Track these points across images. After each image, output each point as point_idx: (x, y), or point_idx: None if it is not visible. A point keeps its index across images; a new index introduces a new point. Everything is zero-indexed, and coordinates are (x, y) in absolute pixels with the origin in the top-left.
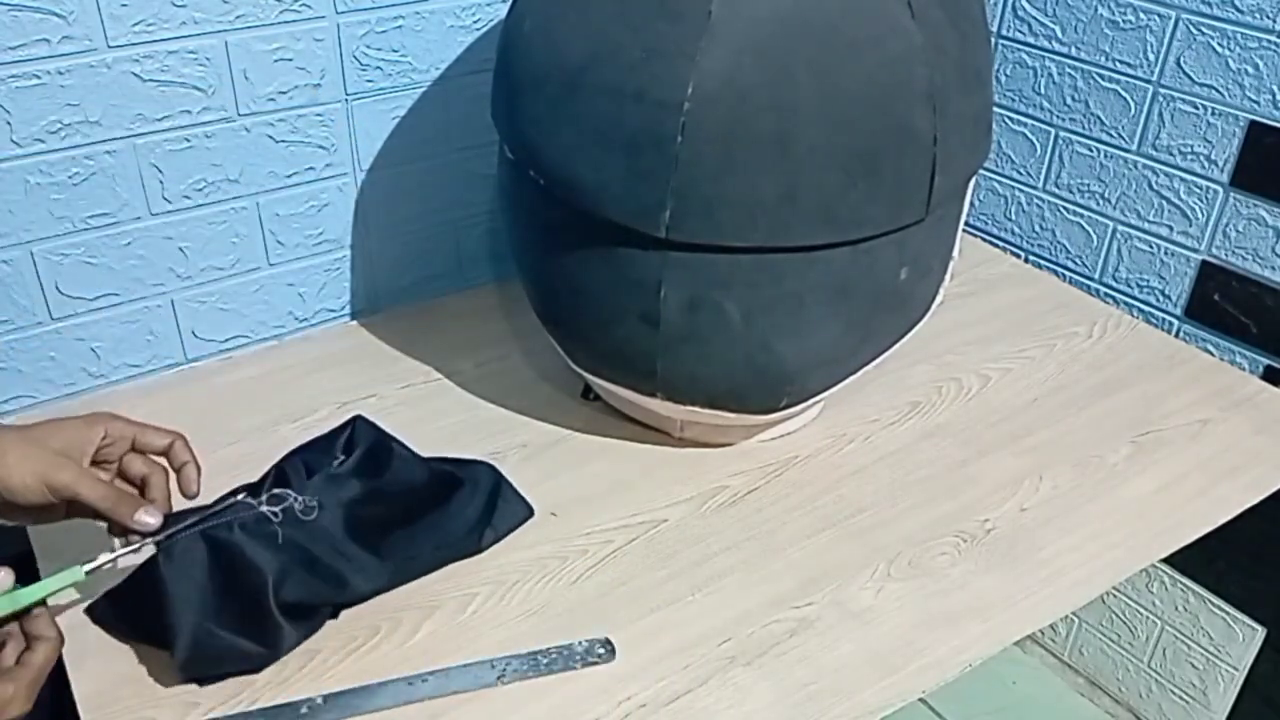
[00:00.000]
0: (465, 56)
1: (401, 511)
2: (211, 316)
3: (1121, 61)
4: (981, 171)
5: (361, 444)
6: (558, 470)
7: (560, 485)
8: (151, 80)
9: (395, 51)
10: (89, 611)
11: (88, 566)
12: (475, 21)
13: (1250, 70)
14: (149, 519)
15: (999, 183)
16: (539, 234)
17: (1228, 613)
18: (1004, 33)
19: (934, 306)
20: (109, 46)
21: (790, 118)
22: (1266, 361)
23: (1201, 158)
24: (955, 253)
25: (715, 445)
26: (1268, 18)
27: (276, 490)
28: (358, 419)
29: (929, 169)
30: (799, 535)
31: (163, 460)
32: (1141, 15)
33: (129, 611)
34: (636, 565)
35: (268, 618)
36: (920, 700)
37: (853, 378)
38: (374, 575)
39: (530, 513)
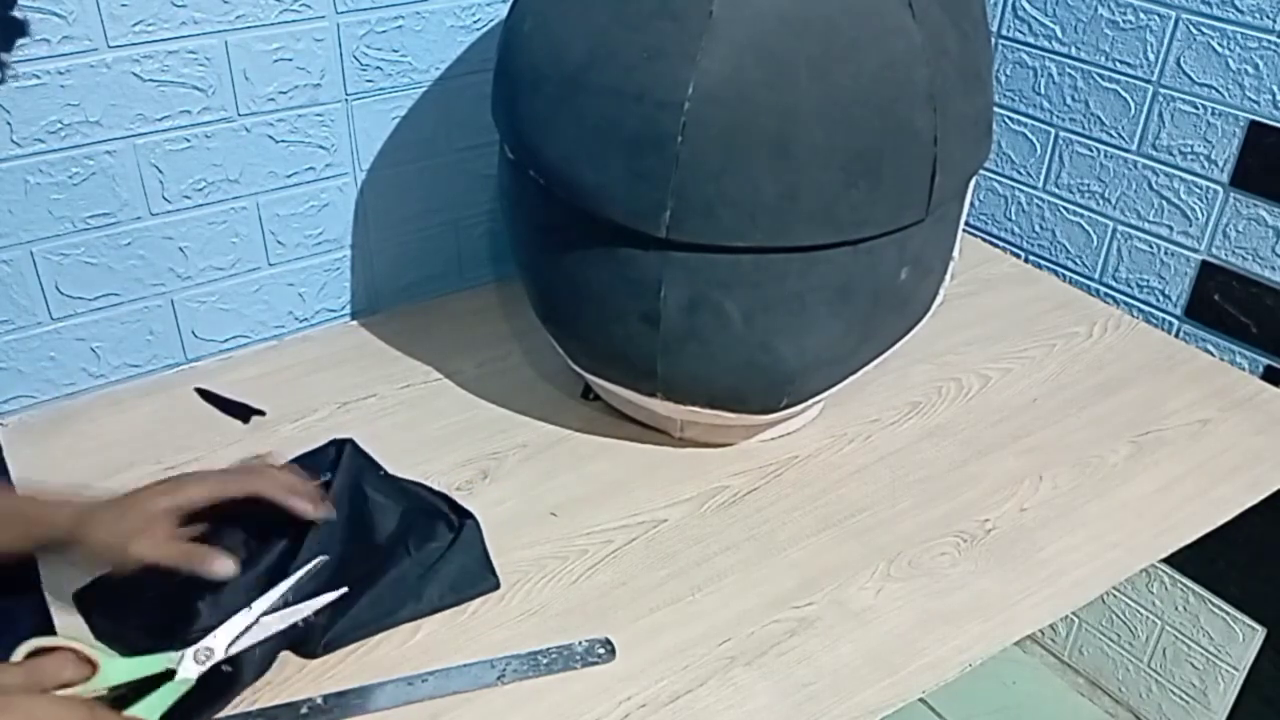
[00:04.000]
0: (465, 56)
1: (367, 561)
2: (211, 316)
3: (1121, 61)
4: (981, 171)
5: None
6: (558, 470)
7: (560, 485)
8: (151, 80)
9: (395, 51)
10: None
11: (196, 671)
12: (475, 21)
13: (1250, 70)
14: (220, 569)
15: (999, 183)
16: (539, 234)
17: (1228, 613)
18: (1004, 33)
19: (934, 306)
20: (109, 46)
21: (791, 118)
22: (1266, 361)
23: (1201, 158)
24: (955, 253)
25: (715, 445)
26: (1268, 18)
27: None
28: (349, 444)
29: (929, 169)
30: (799, 535)
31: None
32: (1141, 15)
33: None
34: (636, 565)
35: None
36: (920, 700)
37: (853, 378)
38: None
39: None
